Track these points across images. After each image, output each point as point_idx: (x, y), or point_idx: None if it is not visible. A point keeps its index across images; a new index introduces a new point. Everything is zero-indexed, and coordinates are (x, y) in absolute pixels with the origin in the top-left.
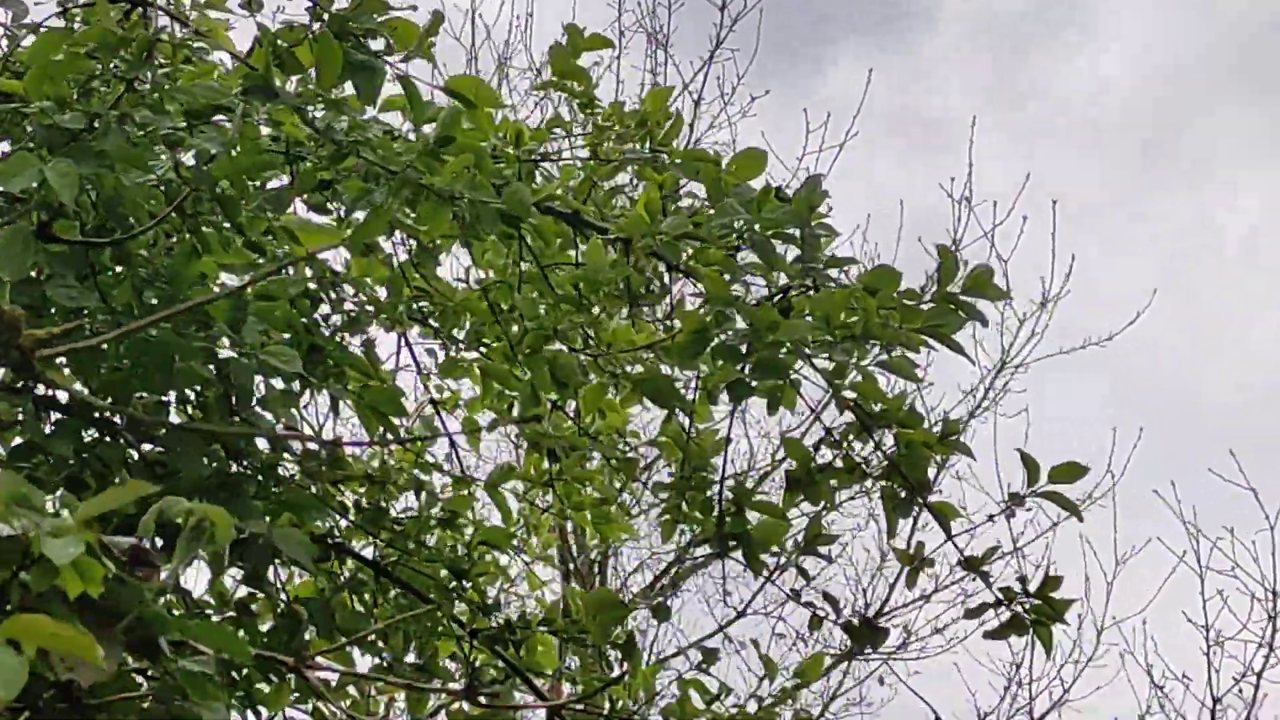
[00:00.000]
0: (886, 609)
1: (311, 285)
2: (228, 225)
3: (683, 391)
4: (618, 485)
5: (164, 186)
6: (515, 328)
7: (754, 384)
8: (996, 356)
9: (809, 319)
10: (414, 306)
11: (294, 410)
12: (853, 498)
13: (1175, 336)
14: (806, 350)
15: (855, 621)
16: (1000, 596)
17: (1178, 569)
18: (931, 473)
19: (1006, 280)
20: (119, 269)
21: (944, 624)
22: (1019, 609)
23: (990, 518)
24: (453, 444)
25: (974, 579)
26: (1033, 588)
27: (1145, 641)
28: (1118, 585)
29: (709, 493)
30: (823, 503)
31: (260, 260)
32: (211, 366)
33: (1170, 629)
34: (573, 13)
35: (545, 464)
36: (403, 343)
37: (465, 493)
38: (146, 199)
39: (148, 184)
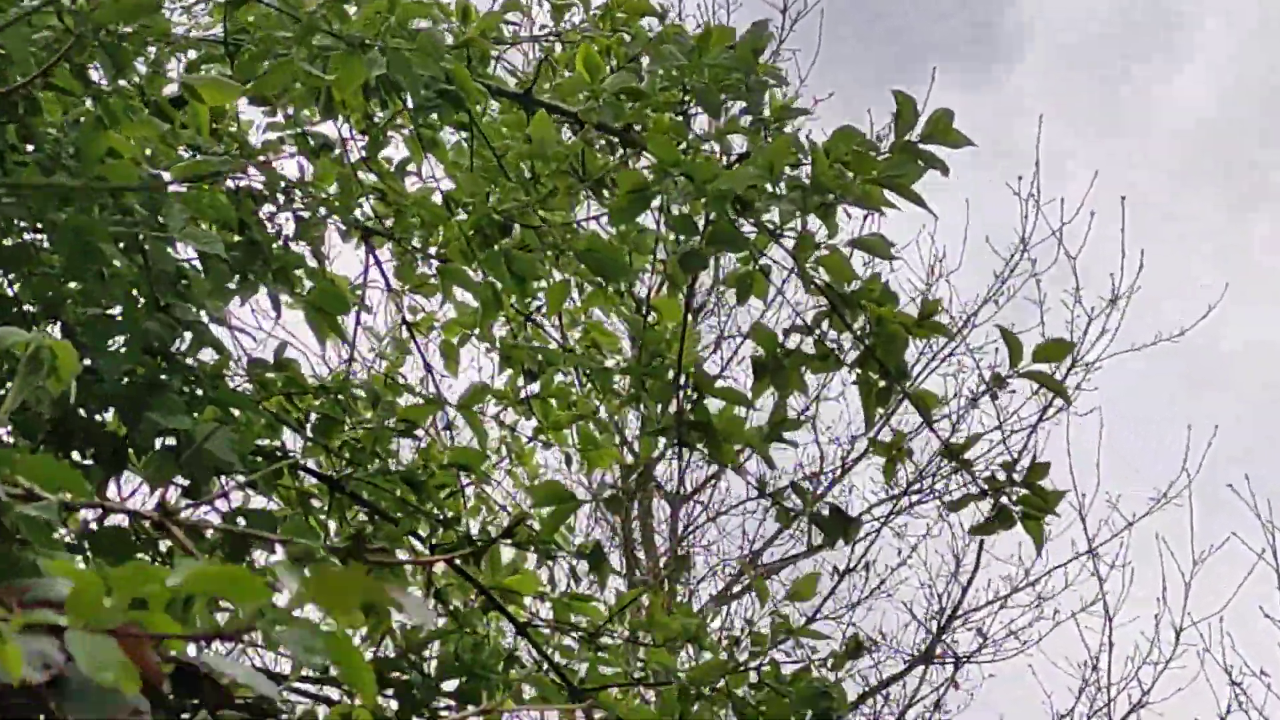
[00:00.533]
0: (960, 612)
1: (258, 185)
2: (125, 84)
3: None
4: (597, 401)
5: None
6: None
7: (707, 255)
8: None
9: (753, 171)
10: (368, 207)
11: (225, 304)
12: (921, 500)
13: (1248, 330)
14: (756, 205)
15: (824, 512)
16: (984, 487)
17: (1256, 567)
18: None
19: (1076, 278)
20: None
21: (1019, 626)
22: (1006, 500)
23: (973, 400)
24: (428, 367)
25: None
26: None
27: (1222, 639)
28: (1196, 584)
29: (668, 378)
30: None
31: (167, 126)
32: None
33: (1250, 627)
34: None
35: (521, 381)
36: (371, 259)
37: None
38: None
39: (32, 39)
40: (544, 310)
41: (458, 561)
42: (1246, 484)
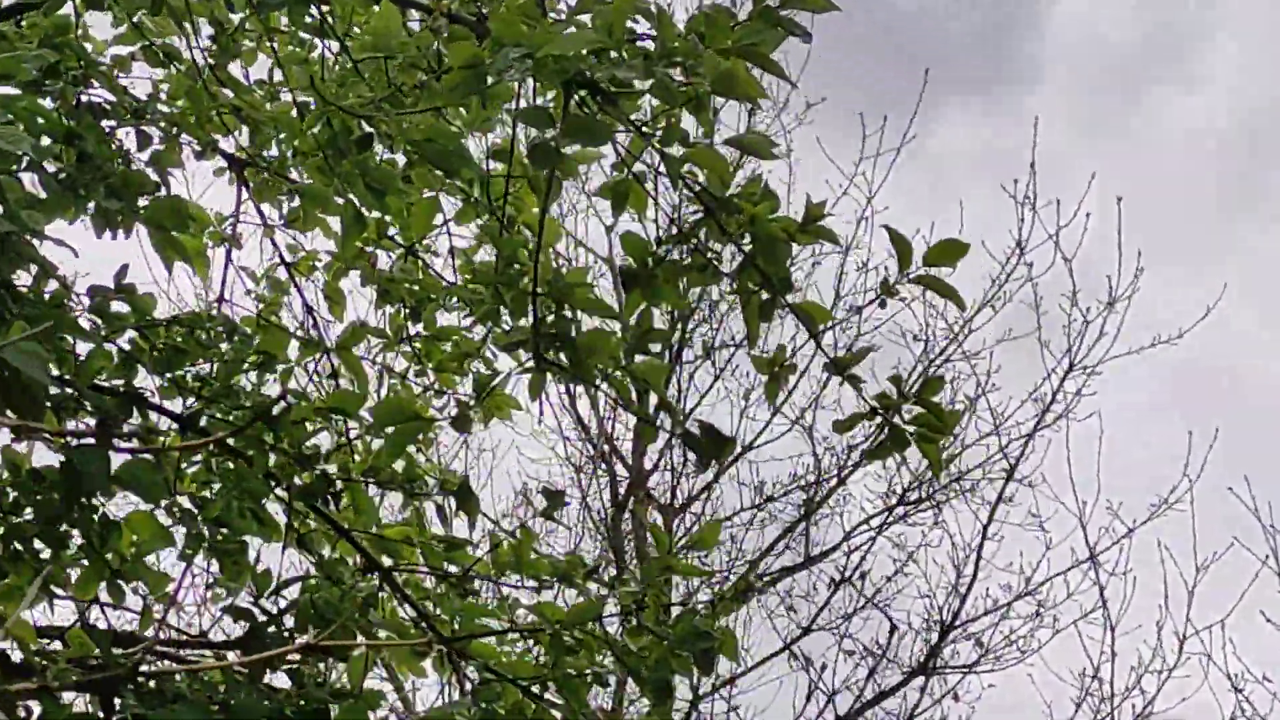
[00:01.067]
0: (959, 622)
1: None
2: None
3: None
4: (478, 338)
5: None
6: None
7: (564, 150)
8: (1064, 360)
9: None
10: (219, 120)
11: (47, 219)
12: (918, 510)
13: (1249, 334)
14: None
15: (694, 430)
16: (875, 405)
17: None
18: (798, 274)
19: (1073, 281)
20: None
21: (1018, 635)
22: (898, 421)
23: (858, 309)
24: (308, 309)
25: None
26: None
27: (1224, 645)
28: (1198, 589)
29: (523, 285)
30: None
31: None
32: None
33: (1254, 631)
34: None
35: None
36: (243, 191)
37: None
38: None
39: None
40: (420, 237)
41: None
42: (1247, 486)
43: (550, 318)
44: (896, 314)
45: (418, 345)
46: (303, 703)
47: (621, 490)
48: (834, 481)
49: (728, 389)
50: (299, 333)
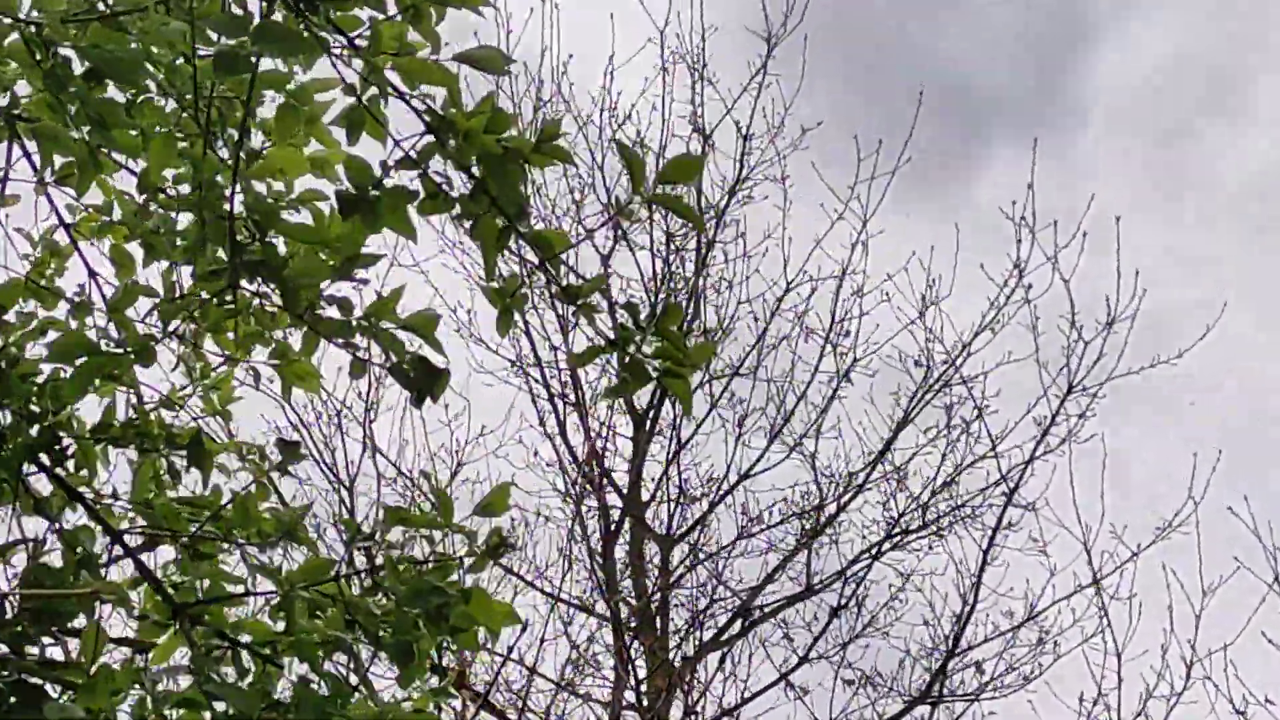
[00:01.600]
0: (959, 650)
1: None
2: None
3: None
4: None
5: None
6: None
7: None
8: (1064, 383)
9: None
10: None
11: None
12: (918, 537)
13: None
14: None
15: (406, 366)
16: (613, 337)
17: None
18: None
19: (1071, 303)
20: None
21: (1020, 661)
22: (640, 356)
23: (588, 233)
24: (91, 273)
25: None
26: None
27: (1225, 669)
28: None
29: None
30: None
31: None
32: None
33: (1258, 653)
34: (612, 45)
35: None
36: (12, 147)
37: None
38: None
39: None
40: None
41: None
42: (1246, 506)
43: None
44: (894, 337)
45: (193, 305)
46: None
47: (614, 520)
48: (833, 508)
49: (723, 417)
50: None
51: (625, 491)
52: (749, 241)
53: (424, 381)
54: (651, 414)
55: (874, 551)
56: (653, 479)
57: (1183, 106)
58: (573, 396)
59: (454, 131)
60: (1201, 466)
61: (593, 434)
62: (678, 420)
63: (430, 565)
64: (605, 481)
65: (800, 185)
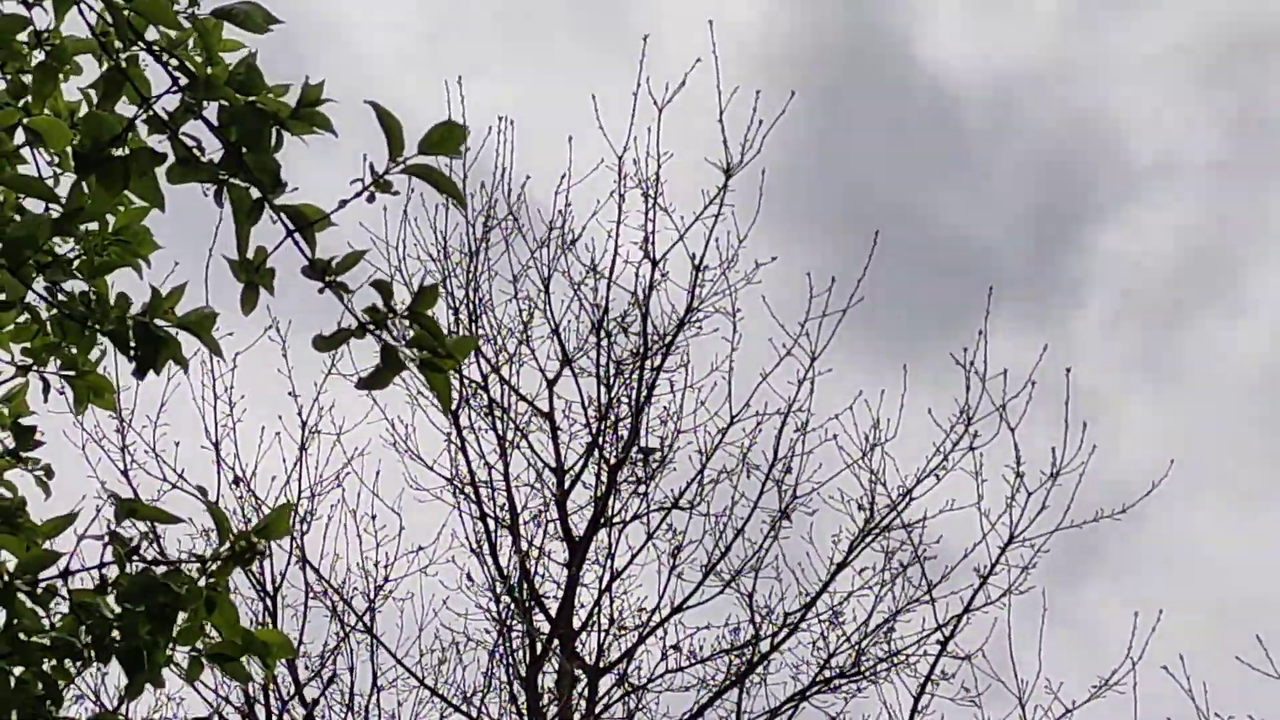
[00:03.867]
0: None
1: None
2: None
3: None
4: None
5: None
6: None
7: None
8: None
9: None
10: None
11: None
12: (851, 680)
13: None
14: None
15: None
16: (363, 319)
17: None
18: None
19: (1016, 451)
20: None
21: None
22: (396, 343)
23: (342, 203)
24: None
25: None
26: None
27: None
28: None
29: None
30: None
31: None
32: None
33: None
34: (569, 167)
35: None
36: None
37: None
38: None
39: None
40: None
41: None
42: (1182, 666)
43: None
44: (837, 476)
45: None
46: None
47: (542, 646)
48: (767, 646)
49: (657, 549)
50: None
51: (555, 618)
52: (695, 373)
53: (146, 351)
54: (587, 541)
55: (804, 692)
56: (583, 607)
57: (1179, 291)
58: (507, 519)
59: (208, 92)
60: (1142, 626)
61: (524, 557)
62: (614, 549)
63: (162, 565)
64: (534, 606)
65: (753, 320)
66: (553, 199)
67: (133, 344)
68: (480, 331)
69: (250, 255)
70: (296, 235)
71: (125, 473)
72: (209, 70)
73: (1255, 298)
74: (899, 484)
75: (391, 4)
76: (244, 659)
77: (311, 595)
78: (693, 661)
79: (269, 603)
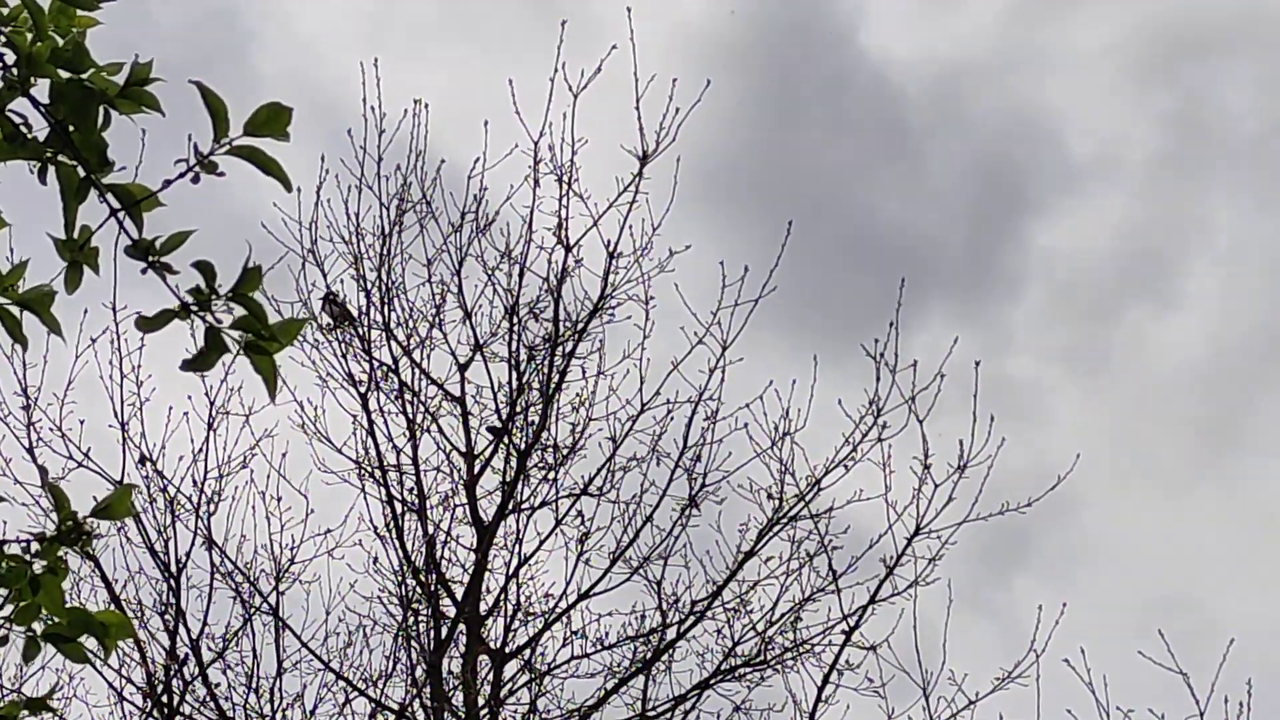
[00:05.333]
0: None
1: None
2: None
3: None
4: None
5: None
6: None
7: None
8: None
9: None
10: None
11: None
12: (755, 669)
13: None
14: None
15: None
16: (186, 299)
17: None
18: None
19: (925, 443)
20: None
21: None
22: (218, 323)
23: (165, 183)
24: None
25: None
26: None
27: None
28: None
29: None
30: None
31: None
32: None
33: None
34: (483, 155)
35: None
36: None
37: None
38: None
39: None
40: None
41: None
42: (1083, 659)
43: None
44: (746, 465)
45: None
46: None
47: (447, 630)
48: (673, 634)
49: (565, 535)
50: None
51: (461, 602)
52: (608, 360)
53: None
54: (495, 526)
55: (709, 680)
56: (490, 592)
57: (1113, 286)
58: (415, 502)
59: (30, 66)
60: (1046, 619)
61: (431, 541)
62: (521, 534)
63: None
64: (440, 590)
65: (667, 307)
66: (466, 183)
67: None
68: (392, 314)
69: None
70: (121, 214)
71: (31, 450)
72: (35, 46)
73: (1189, 293)
74: (808, 474)
75: None
76: (82, 639)
77: (217, 576)
78: (599, 648)
79: (173, 583)
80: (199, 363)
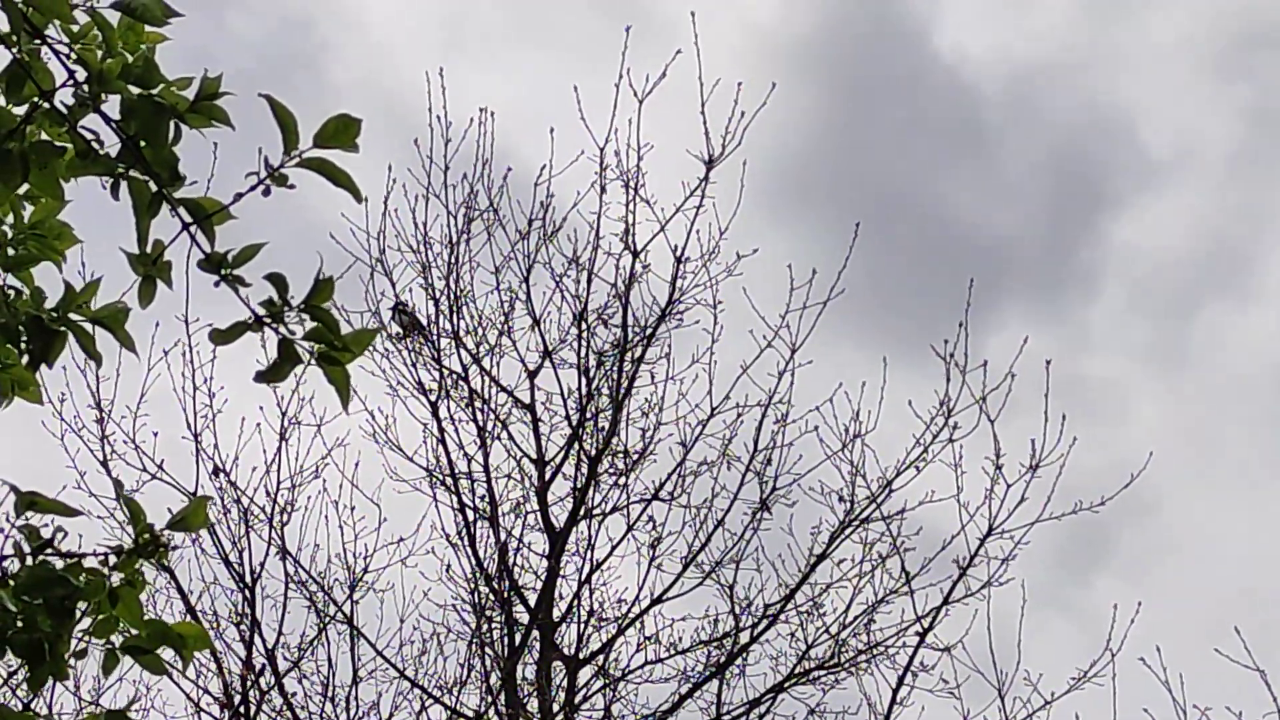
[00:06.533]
0: None
1: None
2: None
3: None
4: None
5: None
6: None
7: None
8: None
9: None
10: None
11: None
12: (830, 672)
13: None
14: None
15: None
16: (259, 311)
17: None
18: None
19: (996, 443)
20: None
21: None
22: (291, 334)
23: (237, 196)
24: None
25: None
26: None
27: None
28: None
29: None
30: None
31: None
32: None
33: None
34: (550, 162)
35: None
36: None
37: None
38: None
39: None
40: None
41: None
42: (1159, 657)
43: None
44: (817, 467)
45: None
46: None
47: (521, 637)
48: (746, 638)
49: (637, 540)
50: None
51: (534, 609)
52: (676, 365)
53: (37, 345)
54: (567, 533)
55: (783, 684)
56: (563, 598)
57: (1192, 281)
58: (487, 510)
59: (102, 83)
60: (1122, 618)
61: (504, 548)
62: (593, 540)
63: (64, 557)
64: (514, 597)
65: (736, 312)
66: (533, 190)
67: (24, 338)
68: (461, 323)
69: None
70: (193, 228)
71: (105, 463)
72: (105, 63)
73: (1269, 287)
74: (879, 476)
75: None
76: (160, 651)
77: (291, 586)
78: (672, 653)
79: (247, 594)
80: (272, 374)
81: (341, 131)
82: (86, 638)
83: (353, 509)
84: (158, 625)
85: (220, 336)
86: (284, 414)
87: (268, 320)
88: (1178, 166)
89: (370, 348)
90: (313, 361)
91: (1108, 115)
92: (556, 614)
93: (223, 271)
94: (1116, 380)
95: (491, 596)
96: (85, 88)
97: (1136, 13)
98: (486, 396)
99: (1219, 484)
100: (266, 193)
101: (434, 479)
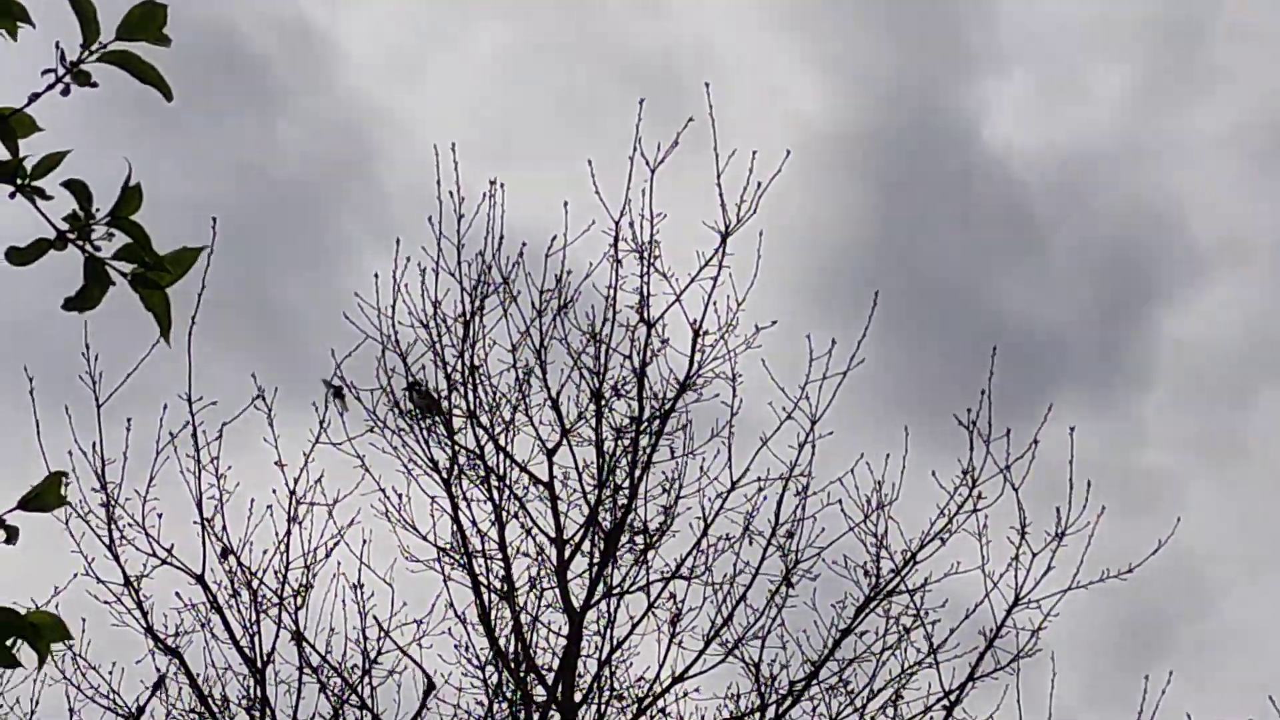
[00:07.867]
0: None
1: None
2: None
3: None
4: None
5: None
6: None
7: None
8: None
9: None
10: None
11: None
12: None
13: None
14: None
15: None
16: (61, 226)
17: None
18: None
19: (1021, 513)
20: None
21: None
22: (98, 252)
23: (33, 96)
24: None
25: None
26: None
27: None
28: None
29: None
30: None
31: None
32: None
33: None
34: (564, 235)
35: None
36: None
37: None
38: None
39: None
40: None
41: None
42: None
43: None
44: (840, 539)
45: None
46: None
47: (537, 718)
48: (772, 714)
49: (658, 617)
50: None
51: (553, 689)
52: (696, 438)
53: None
54: (585, 611)
55: None
56: (582, 678)
57: (1244, 372)
58: (503, 588)
59: None
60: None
61: (520, 628)
62: (613, 618)
63: None
64: (531, 677)
65: (756, 385)
66: (548, 263)
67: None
68: (476, 400)
69: None
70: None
71: (111, 547)
72: None
73: None
74: (904, 548)
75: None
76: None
77: (305, 669)
78: None
79: (258, 678)
80: (81, 300)
81: (145, 20)
82: None
83: (359, 588)
84: (7, 613)
85: (19, 255)
86: (292, 493)
87: (71, 236)
88: (1228, 256)
89: (381, 425)
90: (130, 284)
91: (1157, 206)
92: (577, 695)
93: (19, 182)
94: (1171, 471)
95: (508, 677)
96: None
97: (1184, 104)
98: (502, 474)
99: (1275, 573)
100: (65, 91)
101: (449, 557)
